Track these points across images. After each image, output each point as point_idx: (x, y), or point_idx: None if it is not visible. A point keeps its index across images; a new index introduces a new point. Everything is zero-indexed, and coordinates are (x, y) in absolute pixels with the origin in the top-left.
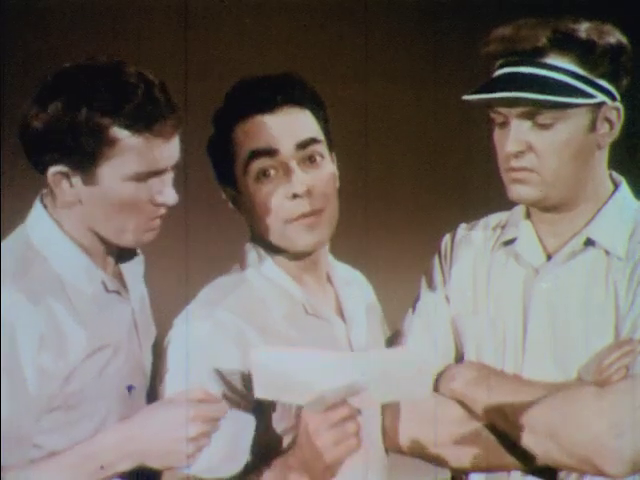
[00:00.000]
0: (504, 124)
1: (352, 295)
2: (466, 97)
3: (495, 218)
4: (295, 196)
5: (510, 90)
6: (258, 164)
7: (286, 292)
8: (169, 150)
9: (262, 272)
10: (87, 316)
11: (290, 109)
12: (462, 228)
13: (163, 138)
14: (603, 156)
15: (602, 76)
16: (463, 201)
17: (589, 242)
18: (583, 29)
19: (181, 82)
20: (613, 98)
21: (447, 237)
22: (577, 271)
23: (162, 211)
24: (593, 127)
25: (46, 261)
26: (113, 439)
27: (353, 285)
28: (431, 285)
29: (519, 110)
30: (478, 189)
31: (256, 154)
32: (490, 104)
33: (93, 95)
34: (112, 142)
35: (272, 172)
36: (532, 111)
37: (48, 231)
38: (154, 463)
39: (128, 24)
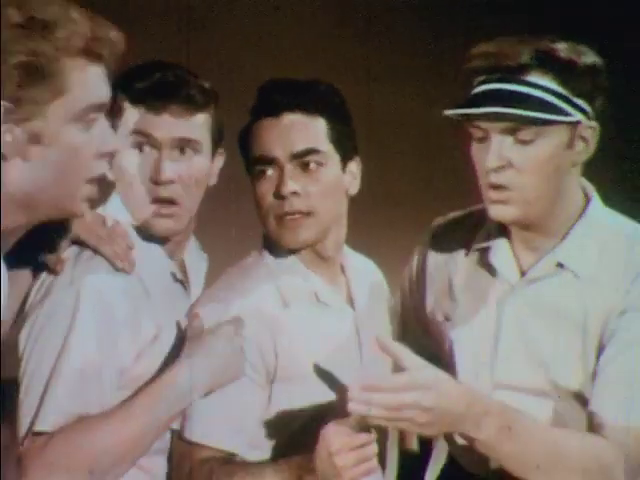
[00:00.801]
0: (483, 139)
1: (363, 285)
2: (448, 112)
3: (468, 217)
4: (281, 197)
5: (493, 106)
6: (258, 167)
7: (299, 279)
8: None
9: (278, 259)
10: (156, 302)
11: (296, 116)
12: (439, 224)
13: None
14: (576, 172)
15: (579, 95)
16: (464, 198)
17: (559, 265)
18: (563, 49)
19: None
20: (588, 117)
21: (424, 235)
22: (548, 291)
23: None
24: (571, 144)
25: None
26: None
27: (366, 275)
28: (405, 287)
29: (501, 126)
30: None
31: (256, 160)
32: (470, 119)
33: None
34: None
35: (269, 172)
36: (514, 127)
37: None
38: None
39: (130, 23)
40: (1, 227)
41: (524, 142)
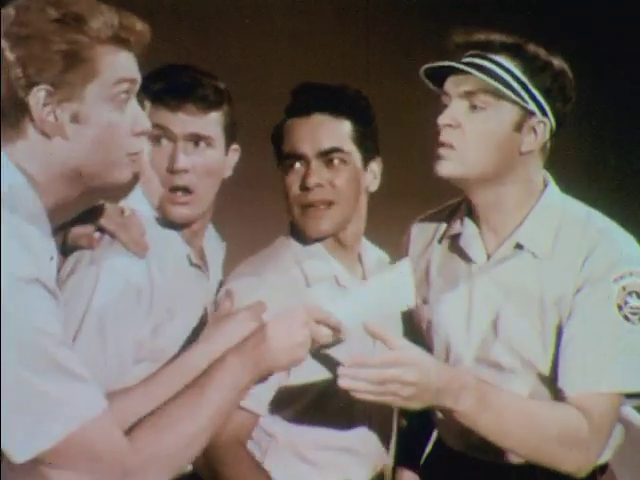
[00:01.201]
0: (446, 106)
1: (373, 269)
2: (429, 65)
3: (444, 210)
4: (306, 188)
5: (464, 66)
6: (288, 161)
7: (322, 263)
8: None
9: (303, 245)
10: (170, 282)
11: (324, 117)
12: (420, 219)
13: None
14: (533, 163)
15: (538, 88)
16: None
17: (518, 246)
18: (533, 46)
19: None
20: (544, 113)
21: (410, 228)
22: (511, 271)
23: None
24: (518, 128)
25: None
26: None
27: (379, 265)
28: None
29: (461, 89)
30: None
31: (286, 155)
32: (441, 85)
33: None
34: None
35: (297, 166)
36: (471, 92)
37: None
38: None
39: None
40: (55, 202)
41: (476, 108)
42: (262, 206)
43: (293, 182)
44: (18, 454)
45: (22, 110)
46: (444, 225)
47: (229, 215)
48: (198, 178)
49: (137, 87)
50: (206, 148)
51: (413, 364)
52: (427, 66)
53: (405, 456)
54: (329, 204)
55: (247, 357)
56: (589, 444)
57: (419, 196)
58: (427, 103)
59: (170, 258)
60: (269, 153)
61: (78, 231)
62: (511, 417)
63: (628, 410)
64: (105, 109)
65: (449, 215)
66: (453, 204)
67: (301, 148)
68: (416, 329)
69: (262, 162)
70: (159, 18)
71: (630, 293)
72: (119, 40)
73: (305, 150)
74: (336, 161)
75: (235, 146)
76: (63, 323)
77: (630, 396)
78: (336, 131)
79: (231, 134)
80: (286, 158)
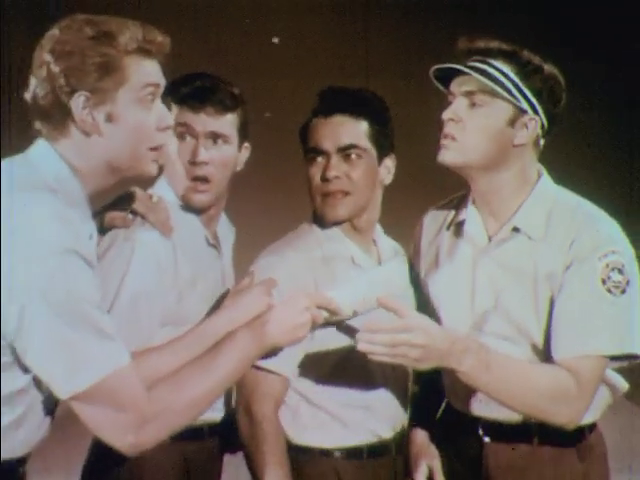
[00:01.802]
0: (450, 104)
1: (390, 255)
2: (436, 67)
3: (452, 202)
4: (326, 179)
5: (465, 68)
6: (311, 155)
7: (339, 245)
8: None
9: (324, 229)
10: (192, 257)
11: (344, 118)
12: (431, 210)
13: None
14: (526, 155)
15: (530, 89)
16: (456, 190)
17: (515, 229)
18: (527, 52)
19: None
20: (535, 111)
21: (423, 218)
22: (510, 251)
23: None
24: (512, 123)
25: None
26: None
27: (391, 248)
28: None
29: (463, 88)
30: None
31: (310, 150)
32: (447, 85)
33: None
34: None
35: (319, 160)
36: (472, 90)
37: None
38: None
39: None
40: (94, 189)
41: (475, 105)
42: (273, 197)
43: (315, 174)
44: (61, 393)
45: (65, 113)
46: (451, 214)
47: (244, 204)
48: (215, 170)
49: (161, 90)
50: (223, 144)
51: (420, 329)
52: (436, 67)
53: (418, 418)
54: (345, 194)
55: (255, 334)
56: (576, 400)
57: (417, 189)
58: (425, 101)
59: (191, 238)
60: (277, 149)
61: (114, 214)
62: (508, 376)
63: (612, 374)
64: (134, 109)
65: (455, 205)
66: (458, 196)
67: (323, 144)
68: (425, 304)
69: (269, 158)
70: (160, 18)
71: (613, 269)
72: (143, 51)
73: (326, 146)
74: (353, 156)
75: (246, 144)
76: (99, 289)
77: (613, 359)
78: (354, 130)
79: (244, 133)
80: (310, 152)
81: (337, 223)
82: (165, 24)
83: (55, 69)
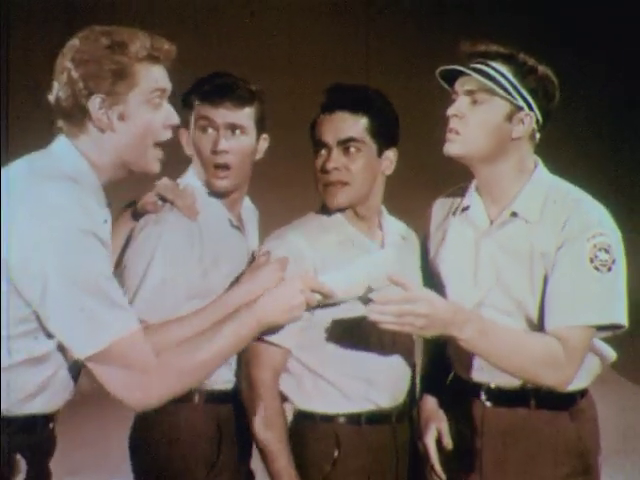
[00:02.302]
0: (454, 101)
1: (396, 240)
2: (441, 68)
3: (458, 190)
4: (326, 171)
5: (467, 70)
6: (316, 148)
7: (342, 229)
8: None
9: (328, 215)
10: (215, 238)
11: (344, 113)
12: (439, 198)
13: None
14: (523, 148)
15: (526, 88)
16: (452, 184)
17: (513, 214)
18: (522, 55)
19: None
20: (530, 108)
21: (432, 206)
22: (509, 233)
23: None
24: (509, 119)
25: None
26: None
27: (398, 233)
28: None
29: (466, 87)
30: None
31: (315, 143)
32: (450, 84)
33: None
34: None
35: (322, 152)
36: (473, 89)
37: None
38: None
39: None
40: (108, 180)
41: (476, 102)
42: (291, 184)
43: (319, 165)
44: (79, 354)
45: (83, 112)
46: (457, 201)
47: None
48: (234, 158)
49: (168, 93)
50: (240, 135)
51: (424, 300)
52: (441, 68)
53: (428, 387)
54: (344, 184)
55: (254, 313)
56: (565, 365)
57: (415, 182)
58: (424, 97)
59: (215, 221)
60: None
61: (146, 200)
62: (504, 343)
63: (601, 344)
64: (143, 109)
65: (461, 194)
66: (463, 186)
67: (325, 138)
68: (434, 281)
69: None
70: (160, 18)
71: (600, 249)
72: (152, 58)
73: (328, 139)
74: (352, 149)
75: (265, 136)
76: (111, 265)
77: (600, 329)
78: (354, 125)
79: (261, 126)
80: (315, 145)
81: (339, 210)
82: (165, 24)
83: (75, 75)
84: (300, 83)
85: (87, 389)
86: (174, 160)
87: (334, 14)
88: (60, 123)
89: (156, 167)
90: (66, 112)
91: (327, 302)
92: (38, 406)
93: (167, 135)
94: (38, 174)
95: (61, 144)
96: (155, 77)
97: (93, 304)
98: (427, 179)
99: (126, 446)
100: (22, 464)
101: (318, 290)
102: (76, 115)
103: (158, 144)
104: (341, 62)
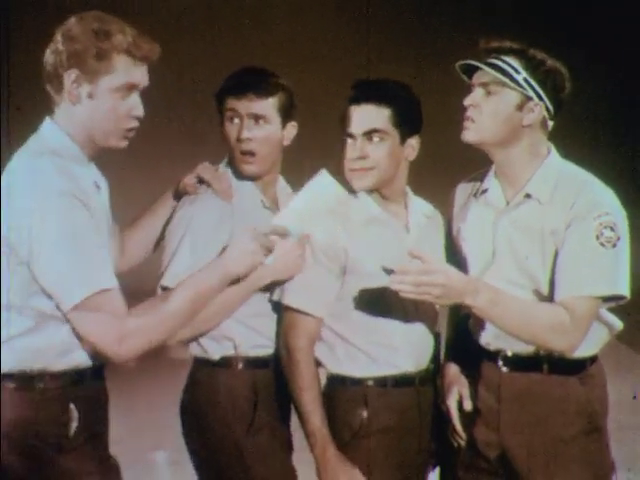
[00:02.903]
0: (471, 92)
1: (420, 219)
2: (459, 63)
3: (478, 175)
4: (352, 159)
5: (481, 64)
6: (345, 138)
7: (368, 209)
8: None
9: (355, 197)
10: (248, 218)
11: (369, 106)
12: (461, 182)
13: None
14: (536, 135)
15: (536, 80)
16: (450, 177)
17: (527, 195)
18: (532, 50)
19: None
20: (540, 98)
21: (455, 188)
22: (523, 213)
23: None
24: (520, 108)
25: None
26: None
27: (423, 213)
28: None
29: (480, 80)
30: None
31: (347, 134)
32: (468, 76)
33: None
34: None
35: (349, 142)
36: (487, 81)
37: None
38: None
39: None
40: (91, 153)
41: (490, 92)
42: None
43: (347, 153)
44: (64, 307)
45: (60, 82)
46: (477, 184)
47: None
48: (259, 145)
49: (140, 88)
50: (264, 124)
51: (440, 272)
52: (459, 63)
53: (451, 354)
54: (368, 170)
55: (217, 265)
56: (571, 331)
57: (443, 167)
58: (425, 86)
59: (248, 202)
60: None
61: (186, 181)
62: (514, 311)
63: (608, 314)
64: (110, 96)
65: (480, 178)
66: (483, 171)
67: (351, 129)
68: (456, 257)
69: None
70: (161, 19)
71: (605, 227)
72: (130, 53)
73: (354, 130)
74: (376, 139)
75: (293, 123)
76: (98, 228)
77: (605, 301)
78: (377, 116)
79: (287, 114)
80: (344, 135)
81: (367, 192)
82: (165, 23)
83: (61, 47)
84: (301, 80)
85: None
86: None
87: (335, 9)
88: (47, 87)
89: (122, 144)
90: (49, 78)
91: (287, 238)
92: (79, 360)
93: (131, 123)
94: (28, 152)
95: (46, 125)
96: (130, 71)
97: (72, 261)
98: (434, 180)
99: (169, 416)
100: (76, 414)
101: (274, 232)
102: (54, 82)
103: (125, 129)
104: (342, 56)
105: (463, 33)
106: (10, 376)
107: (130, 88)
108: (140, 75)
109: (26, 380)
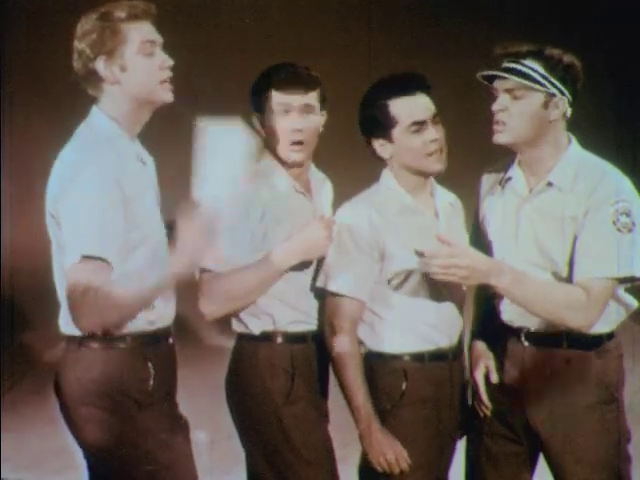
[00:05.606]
0: (494, 97)
1: (446, 205)
2: (481, 73)
3: (502, 165)
4: (431, 141)
5: (504, 73)
6: (417, 126)
7: (400, 197)
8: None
9: (389, 185)
10: (281, 202)
11: (422, 94)
12: (487, 171)
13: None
14: (559, 127)
15: (556, 77)
16: (462, 180)
17: (549, 184)
18: (549, 49)
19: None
20: (562, 93)
21: (481, 177)
22: (544, 200)
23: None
24: (546, 106)
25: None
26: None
27: (447, 200)
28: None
29: (505, 86)
30: (475, 171)
31: (416, 123)
32: (490, 83)
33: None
34: None
35: (421, 128)
36: (511, 88)
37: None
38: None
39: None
40: (133, 129)
41: (516, 97)
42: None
43: (425, 137)
44: (67, 265)
45: (95, 75)
46: (502, 173)
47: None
48: (307, 134)
49: (158, 43)
50: (311, 115)
51: (465, 255)
52: (481, 73)
53: (478, 331)
54: (441, 150)
55: (176, 254)
56: (587, 309)
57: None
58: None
59: (281, 187)
60: None
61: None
62: (534, 291)
63: (624, 294)
64: (138, 58)
65: (505, 167)
66: (506, 160)
67: (420, 116)
68: (481, 241)
69: None
70: (160, 17)
71: (621, 213)
72: (132, 17)
73: (423, 117)
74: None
75: (323, 112)
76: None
77: (621, 282)
78: (430, 102)
79: (323, 105)
80: (413, 125)
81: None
82: (165, 23)
83: (80, 47)
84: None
85: None
86: None
87: (336, 8)
88: (90, 91)
89: (168, 97)
90: (85, 79)
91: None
92: (152, 320)
93: (165, 74)
94: (76, 139)
95: (93, 113)
96: (140, 31)
97: (89, 223)
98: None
99: (206, 401)
100: (152, 371)
101: (209, 222)
102: (90, 79)
103: (163, 80)
104: (343, 52)
105: (465, 33)
106: (93, 337)
107: (151, 45)
108: (151, 31)
109: (109, 341)
